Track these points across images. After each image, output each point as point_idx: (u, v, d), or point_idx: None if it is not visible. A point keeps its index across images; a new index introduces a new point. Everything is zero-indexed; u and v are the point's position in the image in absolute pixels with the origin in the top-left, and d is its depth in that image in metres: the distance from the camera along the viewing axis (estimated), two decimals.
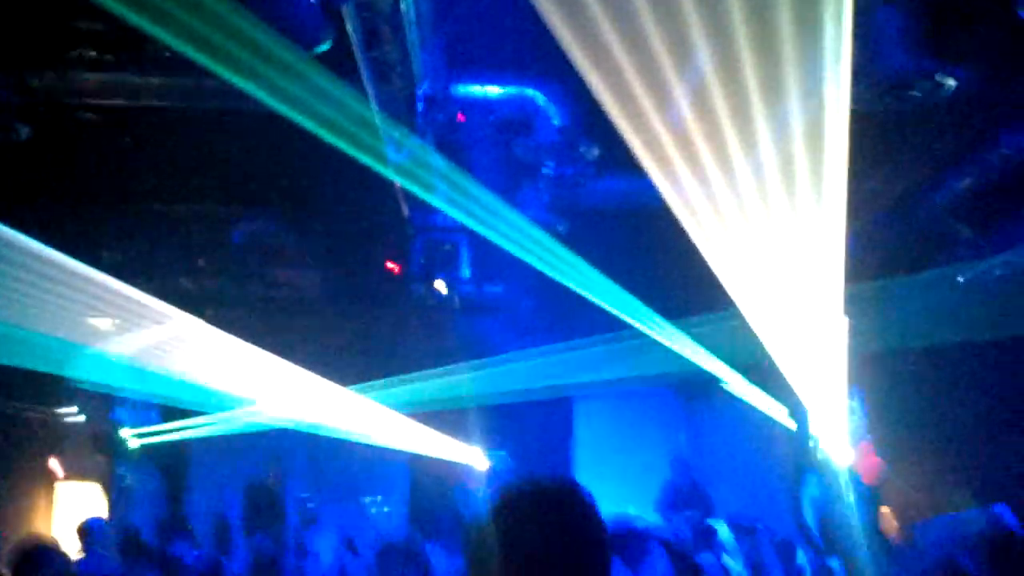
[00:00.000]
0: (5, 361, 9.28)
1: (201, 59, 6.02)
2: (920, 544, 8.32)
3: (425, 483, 14.20)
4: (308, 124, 6.81)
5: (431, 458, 13.45)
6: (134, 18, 5.68)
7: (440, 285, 10.53)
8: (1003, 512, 7.58)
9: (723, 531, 10.46)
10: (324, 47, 6.20)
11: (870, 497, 10.71)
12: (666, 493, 12.22)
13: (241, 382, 11.41)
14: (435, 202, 8.55)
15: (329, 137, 7.02)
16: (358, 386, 12.27)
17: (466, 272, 10.76)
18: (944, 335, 9.43)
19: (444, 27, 7.34)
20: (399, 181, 8.08)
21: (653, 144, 7.19)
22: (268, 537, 11.68)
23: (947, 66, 6.41)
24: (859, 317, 8.85)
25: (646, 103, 6.75)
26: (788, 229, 7.64)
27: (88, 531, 8.78)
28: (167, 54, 6.87)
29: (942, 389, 10.90)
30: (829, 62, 6.10)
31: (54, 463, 13.23)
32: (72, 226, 9.64)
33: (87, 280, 8.82)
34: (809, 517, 10.01)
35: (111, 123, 8.28)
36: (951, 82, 6.46)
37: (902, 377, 11.03)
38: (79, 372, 11.06)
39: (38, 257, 8.33)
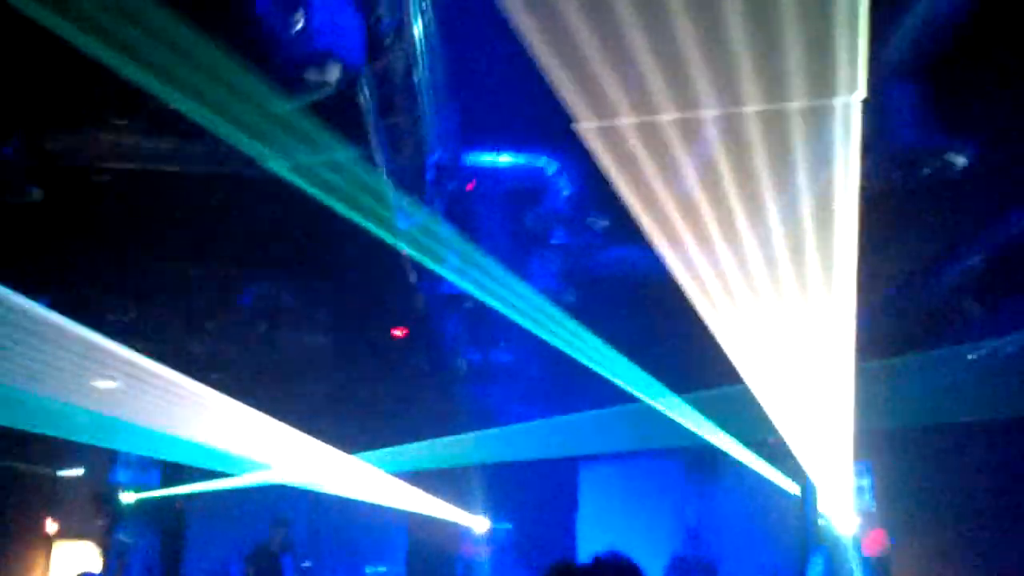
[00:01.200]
0: (6, 422, 9.25)
1: (211, 125, 6.04)
2: None
3: (425, 550, 14.04)
4: (316, 192, 6.82)
5: (431, 523, 13.32)
6: (145, 83, 5.69)
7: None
8: None
9: None
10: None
11: (874, 569, 10.58)
12: (673, 564, 12.11)
13: (243, 444, 11.34)
14: (443, 270, 8.53)
15: (338, 205, 7.02)
16: (361, 453, 12.20)
17: (473, 340, 10.73)
18: (955, 413, 9.35)
19: (456, 96, 7.38)
20: (407, 249, 8.06)
21: (660, 217, 7.18)
22: None
23: (957, 142, 6.41)
24: (870, 394, 8.78)
25: (653, 176, 6.75)
26: (797, 304, 7.60)
27: None
28: (179, 118, 6.91)
29: (953, 467, 10.80)
30: (838, 136, 6.10)
31: (51, 524, 13.12)
32: (80, 287, 9.65)
33: (89, 343, 8.80)
34: None
35: (121, 186, 8.30)
36: (961, 160, 6.45)
37: (913, 455, 10.94)
38: (79, 433, 11.00)
39: (39, 320, 8.33)
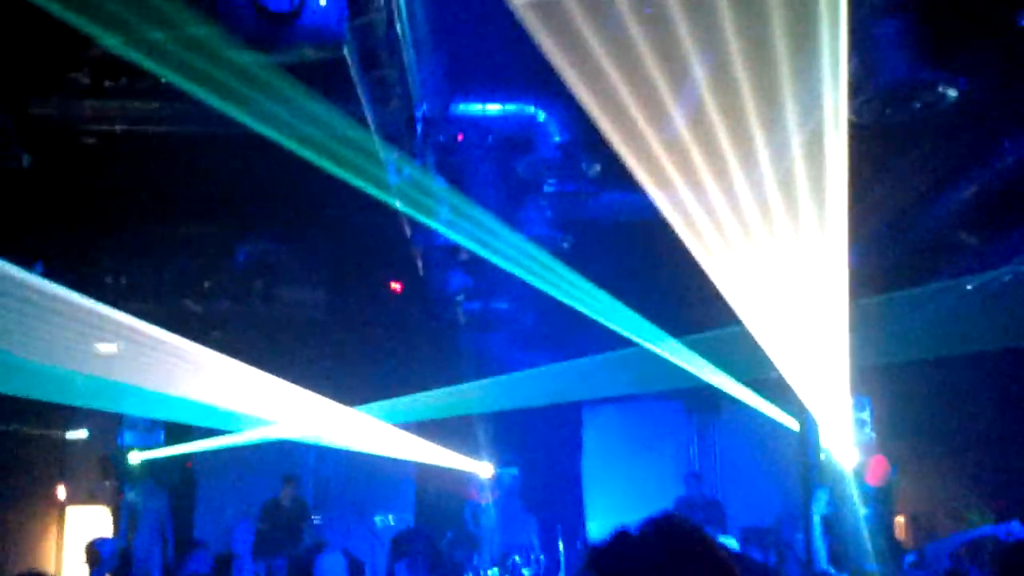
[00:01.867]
0: (10, 391, 9.29)
1: (195, 88, 6.01)
2: (930, 561, 8.29)
3: (432, 497, 14.18)
4: (307, 151, 6.80)
5: (438, 472, 13.43)
6: (127, 51, 5.66)
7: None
8: (1016, 527, 7.55)
9: (733, 547, 10.46)
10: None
11: (878, 499, 10.68)
12: (679, 507, 12.20)
13: (246, 402, 11.40)
14: (436, 223, 8.52)
15: (329, 163, 7.00)
16: (364, 406, 12.26)
17: (471, 289, 10.74)
18: (953, 346, 9.39)
19: (441, 47, 7.33)
20: (400, 203, 8.05)
21: (652, 161, 7.17)
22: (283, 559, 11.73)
23: (948, 76, 6.37)
24: (868, 330, 8.81)
25: (643, 120, 6.73)
26: (791, 242, 7.61)
27: (94, 552, 8.81)
28: (165, 80, 6.87)
29: (951, 398, 10.87)
30: (827, 74, 6.07)
31: (62, 489, 13.24)
32: (75, 252, 9.65)
33: (89, 309, 8.83)
34: (818, 535, 9.96)
35: (112, 148, 8.27)
36: (952, 92, 6.41)
37: (912, 388, 11.00)
38: (84, 398, 11.06)
39: (39, 289, 8.35)
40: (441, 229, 8.61)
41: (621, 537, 1.98)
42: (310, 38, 5.48)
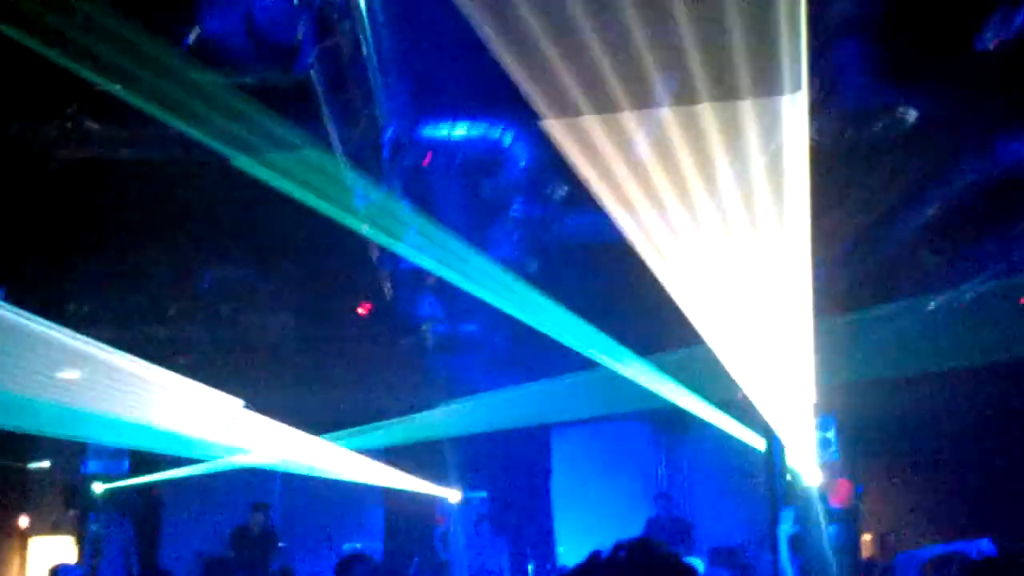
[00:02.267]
0: None
1: (161, 113, 6.01)
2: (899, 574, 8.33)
3: (401, 523, 14.10)
4: (273, 176, 6.80)
5: (406, 497, 13.37)
6: (90, 76, 5.66)
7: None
8: (986, 546, 7.61)
9: (700, 568, 10.47)
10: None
11: (843, 518, 10.74)
12: (649, 528, 12.22)
13: (212, 428, 11.31)
14: (403, 247, 8.52)
15: (295, 188, 7.01)
16: (331, 435, 12.21)
17: (439, 312, 10.74)
18: (919, 365, 9.48)
19: (408, 70, 7.35)
20: (366, 227, 8.05)
21: (616, 183, 7.22)
22: None
23: (908, 97, 6.47)
24: (832, 349, 8.88)
25: (607, 144, 6.79)
26: (754, 261, 7.68)
27: None
28: (129, 105, 6.85)
29: (919, 417, 10.98)
30: (786, 96, 6.15)
31: (24, 519, 13.05)
32: (38, 277, 9.56)
33: (51, 337, 8.74)
34: (784, 555, 10.00)
35: (76, 173, 8.22)
36: (912, 113, 6.53)
37: (880, 406, 11.09)
38: (46, 426, 10.93)
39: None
40: (408, 252, 8.61)
41: (593, 560, 1.97)
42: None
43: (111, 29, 5.33)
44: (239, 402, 10.74)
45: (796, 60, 5.81)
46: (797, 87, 5.93)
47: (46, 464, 13.24)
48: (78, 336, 9.00)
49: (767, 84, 5.96)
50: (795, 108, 6.11)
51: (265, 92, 6.35)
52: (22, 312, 8.50)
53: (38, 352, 8.95)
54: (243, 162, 6.68)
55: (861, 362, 9.82)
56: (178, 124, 6.32)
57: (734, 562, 11.22)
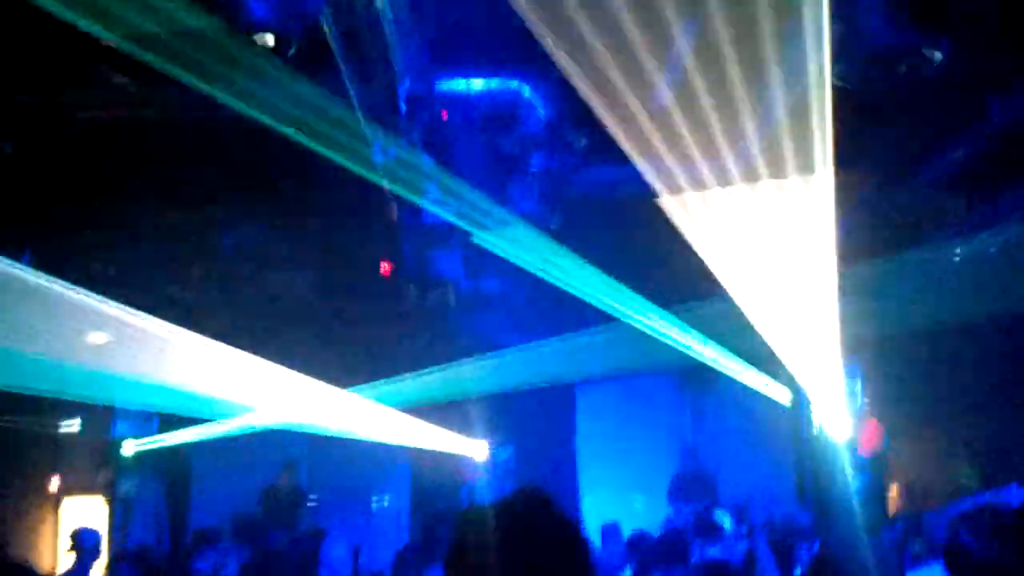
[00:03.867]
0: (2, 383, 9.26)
1: (179, 71, 5.99)
2: (928, 533, 8.30)
3: (427, 479, 14.17)
4: (291, 131, 6.78)
5: (433, 453, 13.42)
6: (107, 36, 5.64)
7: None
8: (1015, 492, 7.57)
9: (726, 523, 10.47)
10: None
11: (870, 468, 10.73)
12: (675, 483, 12.23)
13: (239, 388, 11.37)
14: (423, 203, 8.50)
15: (314, 144, 6.98)
16: (356, 387, 12.23)
17: (461, 269, 10.72)
18: (944, 315, 9.39)
19: (423, 24, 7.29)
20: (386, 183, 8.02)
21: (638, 133, 7.15)
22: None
23: (932, 39, 6.36)
24: (858, 300, 8.82)
25: (628, 92, 6.71)
26: (778, 212, 7.62)
27: (76, 541, 8.81)
28: (150, 65, 6.83)
29: (945, 367, 10.89)
30: (810, 41, 6.06)
31: (56, 481, 13.20)
32: (62, 240, 9.60)
33: (76, 300, 8.80)
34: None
35: (97, 135, 8.24)
36: (937, 55, 6.40)
37: (905, 357, 11.02)
38: (76, 389, 11.02)
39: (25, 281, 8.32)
40: (428, 207, 8.59)
41: (476, 511, 2.05)
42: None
43: None
44: (262, 359, 10.77)
45: (818, 2, 5.72)
46: (820, 29, 5.84)
47: (76, 426, 13.37)
48: (105, 300, 9.04)
49: (790, 25, 5.86)
50: (818, 49, 6.02)
51: (282, 47, 6.31)
52: (51, 278, 8.55)
53: (65, 316, 9.01)
54: (263, 120, 6.65)
55: (887, 311, 9.75)
56: (199, 84, 6.30)
57: (750, 517, 11.24)
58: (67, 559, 9.82)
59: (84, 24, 5.67)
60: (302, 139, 7.00)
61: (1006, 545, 5.15)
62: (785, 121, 6.85)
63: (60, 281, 8.75)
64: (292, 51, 6.16)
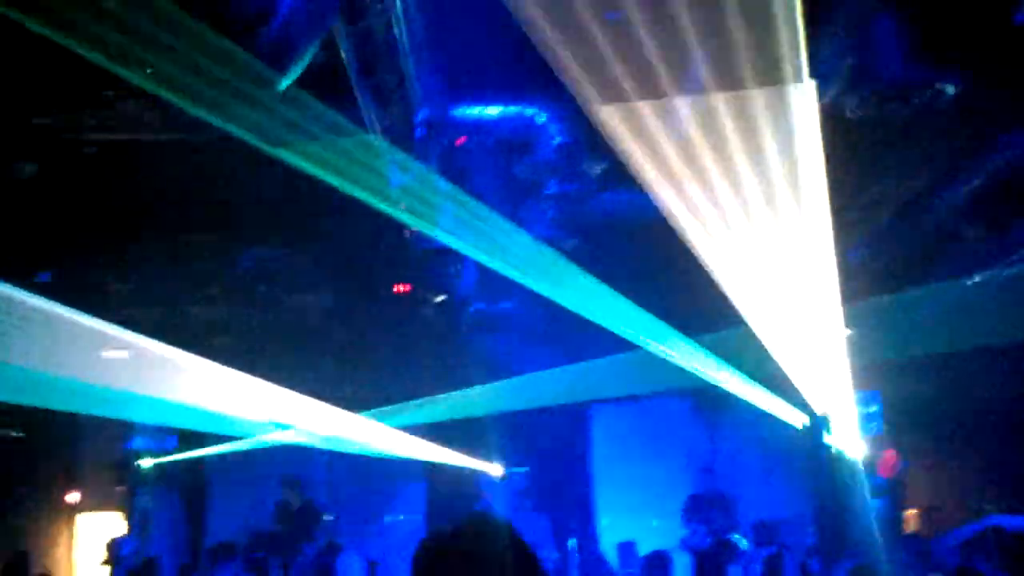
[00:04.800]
0: (20, 399, 9.34)
1: (196, 97, 6.03)
2: (938, 558, 8.27)
3: (443, 497, 14.17)
4: (308, 158, 6.83)
5: (448, 472, 13.44)
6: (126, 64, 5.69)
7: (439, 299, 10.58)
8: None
9: (743, 544, 10.45)
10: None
11: (887, 491, 10.69)
12: (690, 504, 12.20)
13: (254, 408, 11.42)
14: (439, 227, 8.52)
15: (331, 169, 7.03)
16: (372, 411, 12.29)
17: (473, 291, 10.74)
18: (961, 341, 9.37)
19: (440, 50, 7.32)
20: (402, 207, 8.05)
21: (655, 159, 7.15)
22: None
23: (945, 72, 6.36)
24: (877, 327, 8.81)
25: (647, 118, 6.71)
26: (792, 238, 7.61)
27: (113, 551, 8.86)
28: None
29: (965, 392, 10.86)
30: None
31: (72, 495, 13.28)
32: (80, 260, 9.68)
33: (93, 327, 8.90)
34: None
35: (114, 157, 8.30)
36: (950, 88, 6.41)
37: (925, 382, 11.00)
38: (94, 408, 11.11)
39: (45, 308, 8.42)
40: (443, 233, 8.61)
41: (435, 537, 2.12)
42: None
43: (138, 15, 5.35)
44: (279, 386, 10.82)
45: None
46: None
47: (94, 441, 13.45)
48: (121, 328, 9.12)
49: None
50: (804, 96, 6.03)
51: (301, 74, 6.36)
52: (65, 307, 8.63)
53: (83, 340, 9.09)
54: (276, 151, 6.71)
55: (905, 339, 9.73)
56: (216, 111, 6.34)
57: (774, 538, 11.21)
58: (101, 572, 9.90)
59: (100, 60, 5.72)
60: (318, 164, 7.05)
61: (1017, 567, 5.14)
62: (801, 148, 6.85)
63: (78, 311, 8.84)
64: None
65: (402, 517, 13.98)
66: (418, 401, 12.27)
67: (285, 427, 12.30)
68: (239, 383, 10.46)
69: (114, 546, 9.37)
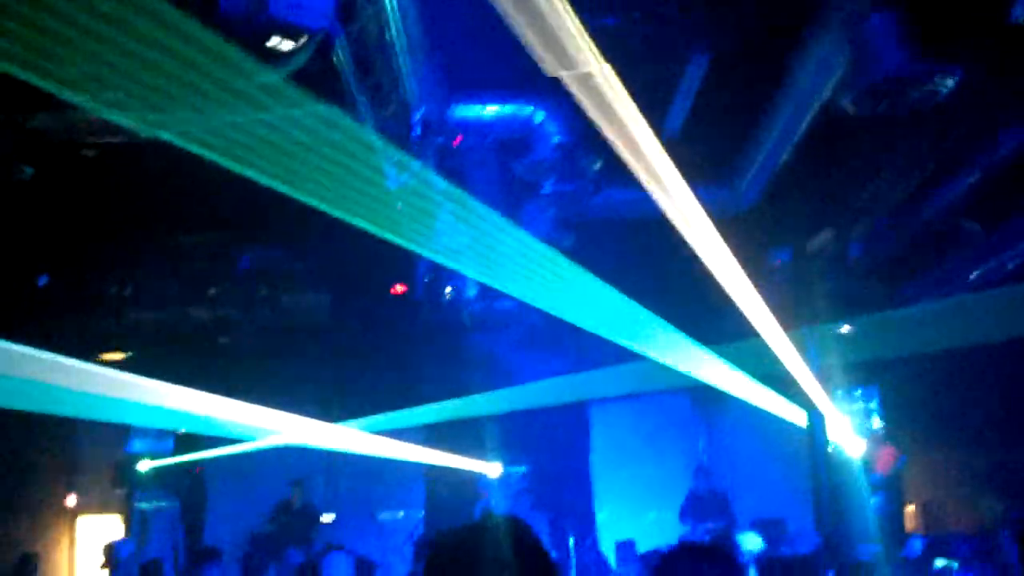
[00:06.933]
0: (19, 405, 9.33)
1: (194, 98, 6.02)
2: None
3: (442, 496, 14.16)
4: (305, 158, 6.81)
5: (447, 471, 13.44)
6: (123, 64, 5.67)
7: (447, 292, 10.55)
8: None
9: (747, 542, 10.44)
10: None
11: (885, 487, 10.71)
12: (689, 502, 12.20)
13: (253, 411, 11.40)
14: (436, 227, 8.50)
15: (328, 170, 7.01)
16: (370, 417, 12.29)
17: (473, 290, 10.71)
18: (960, 337, 9.37)
19: (436, 51, 7.31)
20: (399, 207, 8.04)
21: (652, 157, 7.14)
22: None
23: (942, 68, 6.36)
24: (874, 322, 8.82)
25: (642, 117, 6.70)
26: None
27: (111, 554, 8.86)
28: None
29: (963, 388, 10.88)
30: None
31: (72, 498, 13.27)
32: (80, 263, 9.67)
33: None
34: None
35: (113, 159, 8.29)
36: (949, 83, 6.41)
37: (923, 378, 11.01)
38: (93, 414, 11.09)
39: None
40: (441, 233, 8.59)
41: (449, 534, 2.13)
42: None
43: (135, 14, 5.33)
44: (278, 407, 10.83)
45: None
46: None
47: (93, 444, 13.44)
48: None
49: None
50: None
51: (297, 75, 6.34)
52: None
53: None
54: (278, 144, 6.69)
55: (904, 335, 9.73)
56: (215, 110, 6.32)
57: (776, 534, 11.22)
58: (100, 575, 9.89)
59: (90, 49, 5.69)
60: (315, 164, 7.03)
61: None
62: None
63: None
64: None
65: (401, 514, 13.98)
66: (416, 407, 12.26)
67: (286, 428, 12.28)
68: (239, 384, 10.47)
69: (112, 549, 9.37)
